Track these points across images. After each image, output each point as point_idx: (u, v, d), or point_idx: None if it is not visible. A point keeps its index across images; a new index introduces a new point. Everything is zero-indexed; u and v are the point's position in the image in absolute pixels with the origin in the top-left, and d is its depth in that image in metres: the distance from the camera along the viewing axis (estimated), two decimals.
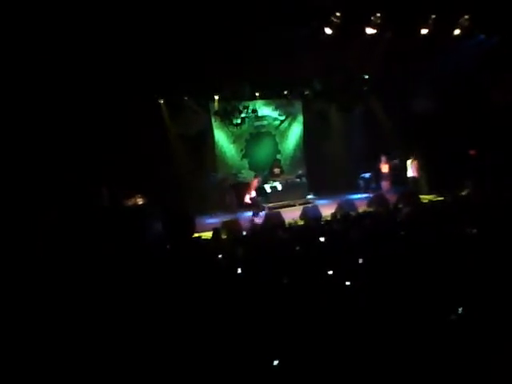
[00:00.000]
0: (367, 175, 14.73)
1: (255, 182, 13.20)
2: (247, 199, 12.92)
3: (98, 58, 10.12)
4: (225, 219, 10.52)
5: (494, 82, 12.45)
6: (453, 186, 11.80)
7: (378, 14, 11.43)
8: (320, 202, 13.62)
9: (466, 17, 11.98)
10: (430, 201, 11.37)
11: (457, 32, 12.34)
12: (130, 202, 10.45)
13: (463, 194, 11.33)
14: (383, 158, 14.13)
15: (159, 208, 10.14)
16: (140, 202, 10.51)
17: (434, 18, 11.82)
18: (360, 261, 5.41)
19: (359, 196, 14.11)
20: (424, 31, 12.07)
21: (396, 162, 14.14)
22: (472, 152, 13.50)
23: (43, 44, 9.16)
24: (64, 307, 4.74)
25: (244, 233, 8.91)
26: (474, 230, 6.47)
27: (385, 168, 14.10)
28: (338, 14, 11.17)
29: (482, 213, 7.65)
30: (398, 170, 14.07)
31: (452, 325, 3.62)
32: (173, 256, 7.14)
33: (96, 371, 3.46)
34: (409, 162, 13.67)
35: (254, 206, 12.84)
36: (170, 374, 3.37)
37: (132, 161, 11.67)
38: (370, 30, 11.77)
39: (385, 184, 14.05)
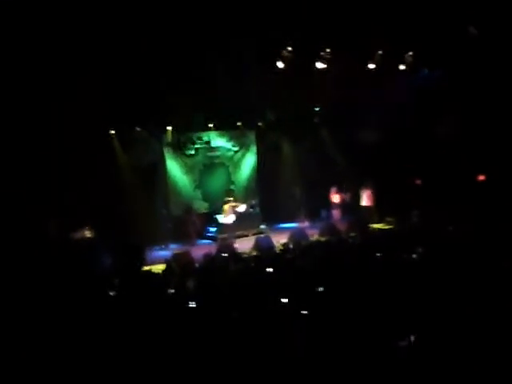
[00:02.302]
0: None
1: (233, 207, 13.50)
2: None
3: (47, 85, 9.88)
4: (176, 251, 10.31)
5: (438, 114, 13.07)
6: (400, 215, 12.20)
7: (328, 50, 11.88)
8: (273, 232, 13.68)
9: (410, 53, 12.66)
10: (379, 229, 11.68)
11: (402, 67, 12.98)
12: (78, 235, 10.10)
13: (410, 222, 11.68)
14: (333, 189, 14.40)
15: (108, 241, 9.84)
16: (88, 234, 10.19)
17: (380, 54, 12.41)
18: (315, 289, 5.44)
19: (311, 225, 14.27)
20: (371, 66, 12.62)
21: (346, 193, 14.45)
22: (418, 181, 14.05)
23: None
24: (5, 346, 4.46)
25: (196, 265, 8.77)
26: (415, 256, 6.73)
27: (335, 198, 14.38)
28: (289, 48, 11.53)
29: (427, 240, 7.93)
30: (350, 200, 14.39)
31: (402, 351, 3.65)
32: (122, 290, 6.89)
33: None
34: (361, 191, 14.01)
35: None
36: None
37: (81, 192, 11.33)
38: (320, 65, 12.18)
39: (335, 213, 14.30)
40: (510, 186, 10.99)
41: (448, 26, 10.72)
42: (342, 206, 14.38)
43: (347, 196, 14.41)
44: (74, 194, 11.14)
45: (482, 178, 12.72)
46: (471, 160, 12.56)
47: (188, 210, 13.73)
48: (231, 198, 14.62)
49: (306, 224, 14.54)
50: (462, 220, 9.67)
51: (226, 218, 13.47)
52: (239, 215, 14.00)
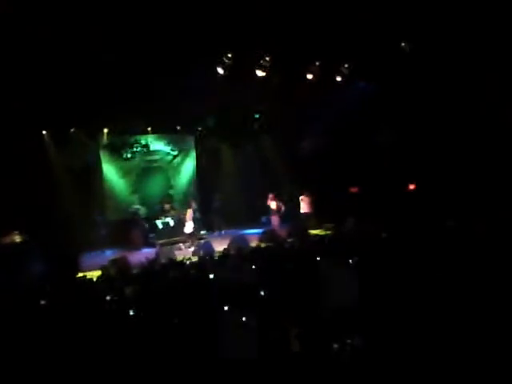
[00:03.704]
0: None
1: (190, 212, 13.10)
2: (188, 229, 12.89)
3: None
4: (113, 257, 9.99)
5: (374, 126, 13.65)
6: (338, 222, 12.58)
7: (267, 58, 12.06)
8: (213, 238, 13.64)
9: (346, 65, 13.13)
10: (317, 235, 11.96)
11: (339, 78, 13.42)
12: (6, 240, 9.53)
13: (347, 228, 12.06)
14: (270, 195, 14.50)
15: (39, 246, 9.36)
16: (17, 239, 9.64)
17: (318, 65, 12.77)
18: (257, 294, 5.47)
19: (252, 231, 14.34)
20: (309, 76, 12.95)
21: (281, 199, 14.55)
22: (354, 189, 14.57)
23: None
24: None
25: (134, 271, 8.53)
26: (351, 261, 6.98)
27: (273, 205, 14.46)
28: (229, 55, 11.58)
29: (362, 246, 8.23)
30: (288, 207, 14.58)
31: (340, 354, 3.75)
32: (53, 298, 6.56)
33: None
34: (301, 198, 14.26)
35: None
36: None
37: (9, 194, 10.72)
38: (260, 73, 12.32)
39: (274, 219, 14.44)
40: (438, 195, 11.67)
41: (382, 41, 11.24)
42: (279, 212, 14.53)
43: (282, 203, 14.52)
44: (2, 196, 10.54)
45: (412, 187, 13.41)
46: (403, 170, 13.22)
47: (133, 213, 13.33)
48: (168, 205, 14.45)
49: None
50: (395, 227, 10.13)
51: (188, 225, 13.07)
52: (178, 221, 13.83)
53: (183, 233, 13.22)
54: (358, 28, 10.55)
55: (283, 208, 14.30)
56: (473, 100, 11.50)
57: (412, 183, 13.40)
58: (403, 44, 11.39)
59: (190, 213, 13.18)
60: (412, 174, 13.30)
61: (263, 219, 15.24)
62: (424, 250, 7.27)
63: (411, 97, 12.58)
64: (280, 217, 14.39)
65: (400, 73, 12.19)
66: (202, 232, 14.39)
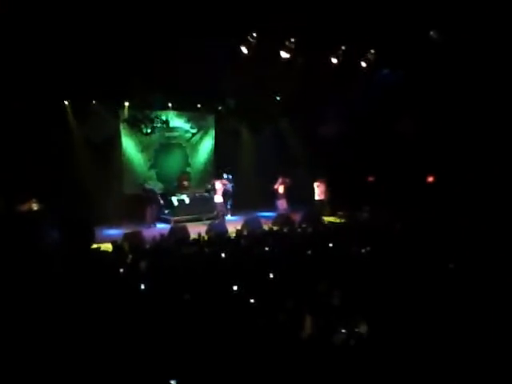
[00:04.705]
0: None
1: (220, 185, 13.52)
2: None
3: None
4: (127, 231, 10.09)
5: (396, 114, 13.43)
6: (352, 210, 12.52)
7: (292, 40, 11.90)
8: (227, 218, 13.69)
9: (372, 51, 12.91)
10: (331, 222, 11.93)
11: (364, 64, 13.22)
12: (25, 207, 9.68)
13: (361, 217, 12.01)
14: (279, 179, 14.34)
15: (56, 214, 9.49)
16: (35, 207, 9.77)
17: (343, 49, 12.58)
18: (267, 276, 5.50)
19: (266, 214, 14.32)
20: (334, 60, 12.78)
21: (287, 181, 14.35)
22: (370, 178, 14.44)
23: None
24: None
25: (147, 246, 8.63)
26: (363, 251, 6.95)
27: (281, 189, 14.31)
28: (254, 34, 11.45)
29: (375, 235, 8.20)
30: (297, 190, 14.41)
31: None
32: (70, 266, 6.68)
33: None
34: (315, 184, 14.15)
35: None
36: None
37: (28, 163, 10.87)
38: (284, 54, 12.19)
39: (281, 203, 14.28)
40: (459, 189, 11.50)
41: (411, 28, 10.99)
42: (287, 195, 14.34)
43: (288, 182, 14.25)
44: (22, 165, 10.70)
45: (431, 179, 13.23)
46: (423, 161, 13.02)
47: (147, 189, 13.39)
48: (186, 183, 14.53)
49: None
50: (410, 219, 10.05)
51: (217, 197, 13.46)
52: (193, 198, 13.91)
53: (214, 203, 13.49)
54: (387, 14, 10.33)
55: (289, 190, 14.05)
56: (499, 94, 11.22)
57: (431, 176, 13.21)
58: (432, 33, 11.13)
59: (219, 186, 13.41)
60: (431, 167, 13.10)
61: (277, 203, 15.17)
62: (437, 245, 7.22)
63: (435, 87, 12.32)
64: (287, 201, 14.21)
65: (426, 62, 11.93)
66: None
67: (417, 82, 12.72)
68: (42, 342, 3.84)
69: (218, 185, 13.57)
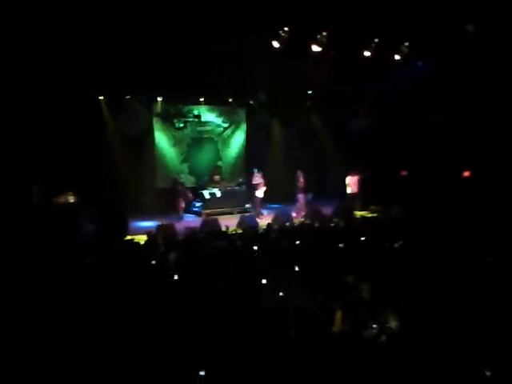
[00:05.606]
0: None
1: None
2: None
3: (34, 49, 9.66)
4: (160, 223, 10.26)
5: (430, 108, 13.13)
6: (384, 205, 12.33)
7: (324, 33, 11.79)
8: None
9: (406, 44, 12.66)
10: (363, 217, 11.80)
11: (397, 57, 12.97)
12: (61, 199, 9.96)
13: (393, 212, 11.80)
14: (299, 173, 13.65)
15: (92, 207, 9.74)
16: (71, 199, 10.05)
17: (376, 42, 12.37)
18: (295, 269, 5.49)
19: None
20: (367, 53, 12.59)
21: (299, 173, 13.68)
22: (404, 173, 14.18)
23: None
24: None
25: (180, 238, 8.76)
26: (396, 245, 6.84)
27: (301, 183, 13.97)
28: (285, 28, 11.40)
29: (408, 231, 8.05)
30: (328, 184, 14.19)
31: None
32: (105, 257, 6.86)
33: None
34: (348, 178, 13.90)
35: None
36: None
37: (65, 156, 11.19)
38: (315, 48, 12.09)
39: (301, 197, 14.00)
40: (495, 184, 11.17)
41: (446, 20, 10.71)
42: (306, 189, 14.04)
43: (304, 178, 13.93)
44: (58, 158, 11.01)
45: (467, 174, 12.88)
46: (459, 155, 12.69)
47: (177, 182, 13.56)
48: (218, 177, 14.62)
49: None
50: (445, 215, 9.82)
51: (258, 192, 13.42)
52: (225, 192, 14.00)
53: (256, 197, 13.49)
54: (420, 6, 10.10)
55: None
56: None
57: (467, 170, 12.86)
58: (468, 26, 10.83)
59: (259, 181, 13.35)
60: (467, 161, 12.74)
61: (308, 197, 15.06)
62: (473, 239, 7.05)
63: (470, 80, 11.95)
64: (305, 195, 13.90)
65: (460, 54, 11.61)
66: (248, 205, 14.40)
67: (451, 74, 12.37)
68: (77, 330, 3.95)
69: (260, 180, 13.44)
